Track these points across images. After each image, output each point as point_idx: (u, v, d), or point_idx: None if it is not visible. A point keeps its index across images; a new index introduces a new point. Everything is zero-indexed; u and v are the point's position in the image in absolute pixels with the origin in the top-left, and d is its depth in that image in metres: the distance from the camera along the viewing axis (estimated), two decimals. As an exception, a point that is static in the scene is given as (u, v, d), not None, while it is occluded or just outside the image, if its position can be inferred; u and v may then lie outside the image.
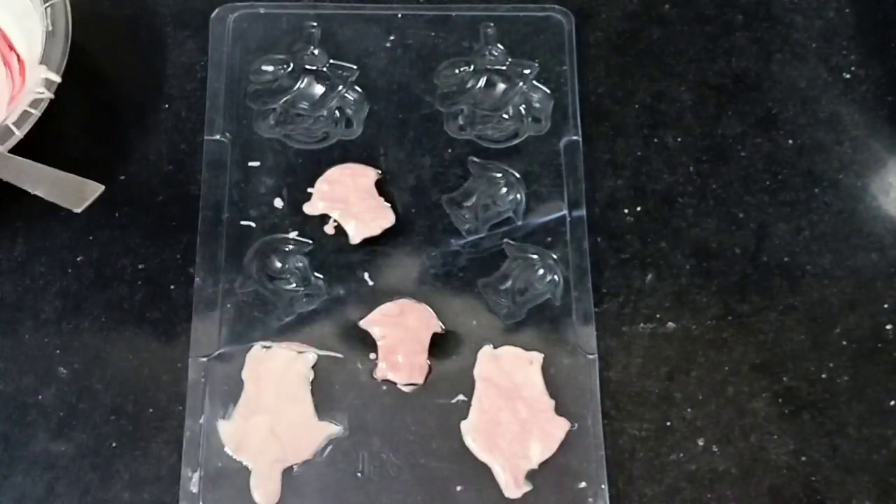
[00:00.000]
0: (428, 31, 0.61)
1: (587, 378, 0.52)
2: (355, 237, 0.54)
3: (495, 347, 0.52)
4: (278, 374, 0.51)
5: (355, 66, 0.59)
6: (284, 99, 0.58)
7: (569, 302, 0.54)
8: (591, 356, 0.52)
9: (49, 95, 0.51)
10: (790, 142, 0.59)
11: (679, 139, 0.59)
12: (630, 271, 0.55)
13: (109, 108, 0.59)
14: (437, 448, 0.50)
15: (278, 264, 0.54)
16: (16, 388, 0.51)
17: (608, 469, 0.50)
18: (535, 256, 0.55)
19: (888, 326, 0.54)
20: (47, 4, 0.53)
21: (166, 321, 0.53)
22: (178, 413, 0.51)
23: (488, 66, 0.60)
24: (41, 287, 0.54)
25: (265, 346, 0.52)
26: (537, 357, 0.52)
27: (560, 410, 0.51)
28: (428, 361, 0.52)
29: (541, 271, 0.54)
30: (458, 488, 0.50)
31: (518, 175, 0.57)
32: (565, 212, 0.56)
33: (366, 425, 0.51)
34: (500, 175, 0.57)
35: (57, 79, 0.51)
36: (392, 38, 0.61)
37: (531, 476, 0.50)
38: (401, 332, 0.52)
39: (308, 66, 0.59)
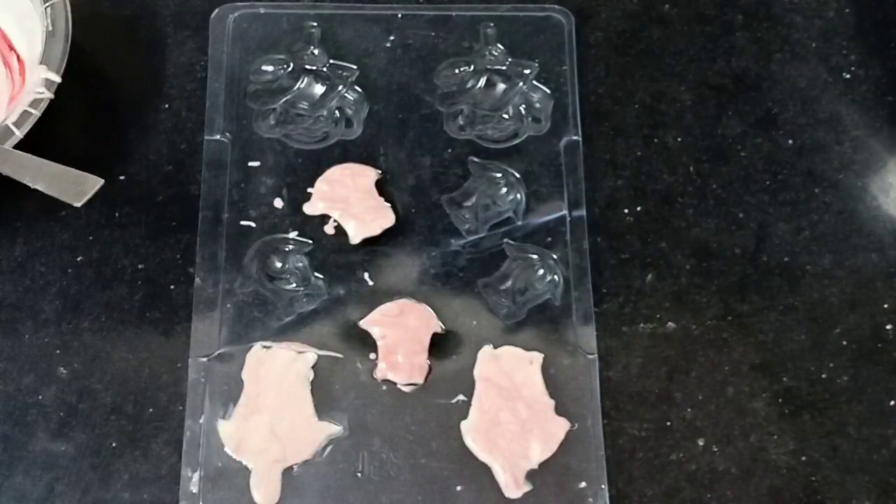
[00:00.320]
0: (428, 31, 0.61)
1: (587, 378, 0.52)
2: (355, 237, 0.54)
3: (495, 347, 0.52)
4: (278, 374, 0.51)
5: (355, 66, 0.59)
6: (284, 99, 0.58)
7: (569, 302, 0.54)
8: (591, 356, 0.52)
9: (49, 95, 0.51)
10: (790, 142, 0.59)
11: (679, 139, 0.59)
12: (630, 271, 0.55)
13: (109, 108, 0.59)
14: (437, 448, 0.50)
15: (278, 264, 0.54)
16: (16, 388, 0.51)
17: (608, 469, 0.50)
18: (535, 256, 0.55)
19: (888, 326, 0.55)
20: (47, 4, 0.53)
21: (166, 321, 0.53)
22: (178, 413, 0.51)
23: (488, 66, 0.60)
24: (41, 287, 0.54)
25: (265, 346, 0.52)
26: (537, 357, 0.52)
27: (560, 410, 0.51)
28: (428, 361, 0.52)
29: (541, 271, 0.54)
30: (458, 488, 0.50)
31: (518, 175, 0.57)
32: (565, 212, 0.56)
33: (366, 425, 0.51)
34: (500, 175, 0.57)
35: (57, 79, 0.51)
36: (392, 38, 0.61)
37: (531, 476, 0.50)
38: (401, 332, 0.52)
39: (308, 66, 0.59)
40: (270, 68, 0.59)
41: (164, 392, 0.51)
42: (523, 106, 0.59)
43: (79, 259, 0.55)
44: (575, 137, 0.58)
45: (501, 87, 0.59)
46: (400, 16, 0.61)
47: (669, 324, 0.54)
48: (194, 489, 0.49)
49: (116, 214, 0.56)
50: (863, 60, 0.62)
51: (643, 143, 0.59)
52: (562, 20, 0.61)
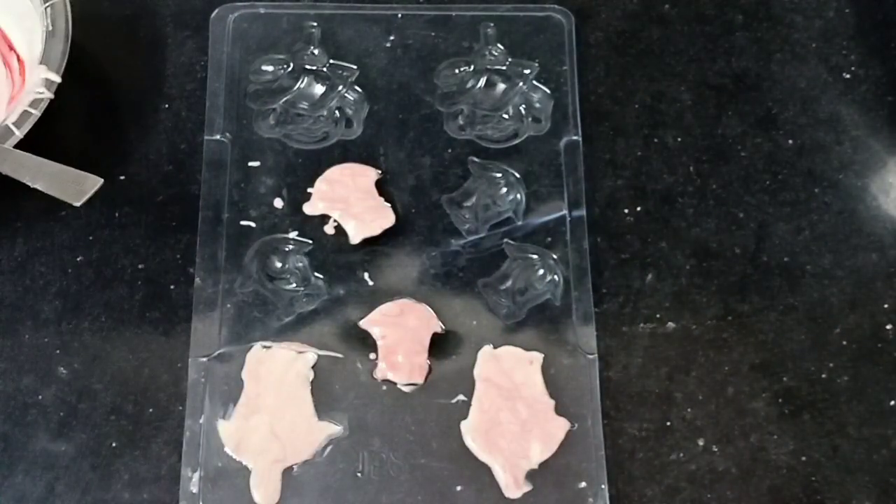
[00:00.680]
0: (428, 31, 0.61)
1: (587, 378, 0.52)
2: (355, 237, 0.54)
3: (495, 347, 0.52)
4: (278, 374, 0.51)
5: (355, 66, 0.59)
6: (284, 99, 0.58)
7: (569, 302, 0.54)
8: (591, 356, 0.52)
9: (49, 95, 0.51)
10: (790, 142, 0.59)
11: (679, 139, 0.59)
12: (630, 271, 0.55)
13: (109, 108, 0.59)
14: (437, 448, 0.50)
15: (278, 264, 0.54)
16: (16, 388, 0.51)
17: (608, 469, 0.50)
18: (535, 256, 0.55)
19: (888, 326, 0.55)
20: (47, 4, 0.53)
21: (166, 321, 0.53)
22: (178, 413, 0.51)
23: (488, 66, 0.60)
24: (41, 287, 0.54)
25: (265, 346, 0.52)
26: (537, 357, 0.52)
27: (560, 410, 0.51)
28: (428, 361, 0.52)
29: (541, 271, 0.54)
30: (458, 488, 0.50)
31: (518, 175, 0.57)
32: (565, 212, 0.56)
33: (366, 425, 0.51)
34: (500, 175, 0.57)
35: (57, 79, 0.51)
36: (392, 38, 0.61)
37: (531, 476, 0.50)
38: (401, 332, 0.52)
39: (308, 66, 0.59)
40: (270, 68, 0.59)
41: (164, 392, 0.51)
42: (523, 106, 0.59)
43: (79, 259, 0.55)
44: (575, 137, 0.58)
45: (501, 87, 0.59)
46: (400, 16, 0.61)
47: (669, 324, 0.54)
48: (194, 489, 0.49)
49: (116, 214, 0.56)
50: (863, 60, 0.62)
51: (643, 143, 0.59)
52: (562, 20, 0.61)
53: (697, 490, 0.50)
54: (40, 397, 0.51)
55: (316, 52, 0.60)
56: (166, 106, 0.59)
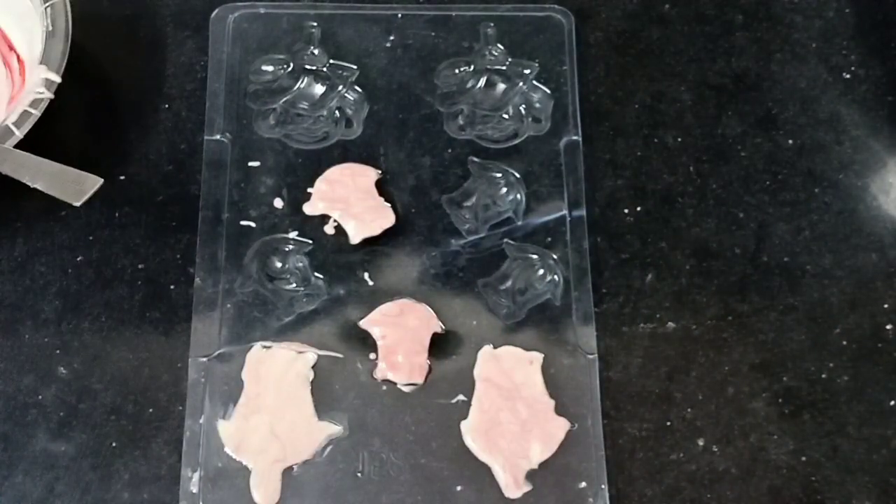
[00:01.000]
0: (428, 31, 0.61)
1: (587, 378, 0.52)
2: (355, 237, 0.54)
3: (495, 347, 0.52)
4: (278, 374, 0.51)
5: (355, 66, 0.59)
6: (284, 99, 0.58)
7: (569, 302, 0.54)
8: (591, 356, 0.52)
9: (49, 95, 0.51)
10: (790, 142, 0.59)
11: (679, 139, 0.59)
12: (630, 271, 0.55)
13: (109, 108, 0.59)
14: (437, 448, 0.50)
15: (278, 264, 0.54)
16: (16, 388, 0.51)
17: (608, 469, 0.50)
18: (535, 256, 0.55)
19: (888, 326, 0.55)
20: (47, 4, 0.53)
21: (166, 321, 0.53)
22: (178, 413, 0.51)
23: (488, 66, 0.60)
24: (41, 287, 0.54)
25: (265, 346, 0.52)
26: (537, 357, 0.52)
27: (560, 410, 0.51)
28: (428, 361, 0.52)
29: (541, 271, 0.54)
30: (458, 488, 0.50)
31: (518, 175, 0.57)
32: (565, 212, 0.56)
33: (366, 425, 0.51)
34: (500, 175, 0.57)
35: (57, 79, 0.51)
36: (392, 38, 0.61)
37: (531, 476, 0.50)
38: (401, 332, 0.52)
39: (308, 66, 0.59)
40: (270, 68, 0.59)
41: (164, 392, 0.51)
42: (523, 106, 0.59)
43: (79, 259, 0.55)
44: (575, 137, 0.58)
45: (501, 87, 0.59)
46: (400, 16, 0.61)
47: (669, 324, 0.54)
48: (194, 489, 0.49)
49: (116, 214, 0.56)
50: (863, 60, 0.62)
51: (643, 143, 0.59)
52: (562, 20, 0.61)
53: (697, 490, 0.50)
54: (40, 397, 0.51)
55: (316, 52, 0.60)
56: (166, 106, 0.59)
